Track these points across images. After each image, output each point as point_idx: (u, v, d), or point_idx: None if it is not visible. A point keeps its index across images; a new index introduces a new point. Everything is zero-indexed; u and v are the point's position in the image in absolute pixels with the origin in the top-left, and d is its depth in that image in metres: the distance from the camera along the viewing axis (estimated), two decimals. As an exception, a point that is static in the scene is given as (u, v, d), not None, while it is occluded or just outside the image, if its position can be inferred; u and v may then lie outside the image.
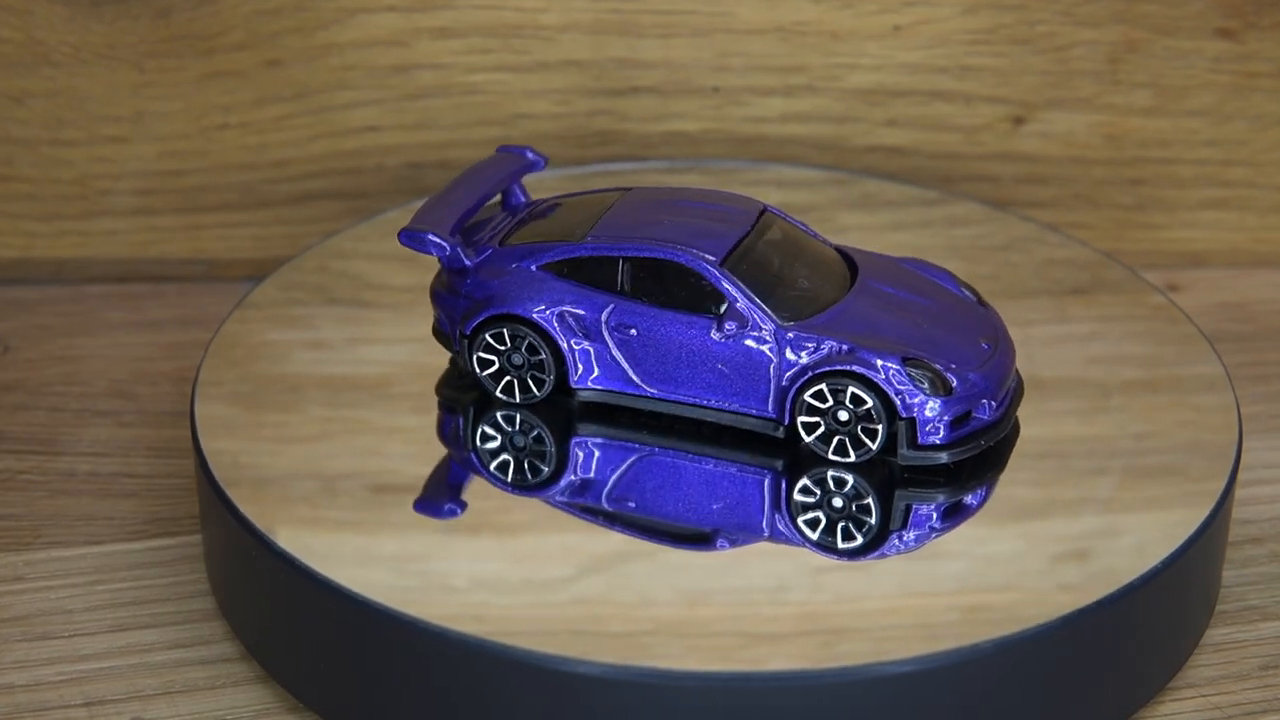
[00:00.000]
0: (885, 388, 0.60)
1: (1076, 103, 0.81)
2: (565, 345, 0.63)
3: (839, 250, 0.65)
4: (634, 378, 0.63)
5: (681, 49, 0.79)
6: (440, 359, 0.66)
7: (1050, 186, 0.82)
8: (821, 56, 0.80)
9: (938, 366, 0.60)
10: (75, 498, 0.68)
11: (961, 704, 0.56)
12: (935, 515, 0.60)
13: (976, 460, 0.61)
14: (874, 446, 0.60)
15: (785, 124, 0.80)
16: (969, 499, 0.61)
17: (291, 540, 0.58)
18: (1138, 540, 0.59)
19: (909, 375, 0.60)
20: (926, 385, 0.60)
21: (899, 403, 0.60)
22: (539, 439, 0.63)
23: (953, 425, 0.60)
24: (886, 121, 0.81)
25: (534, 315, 0.63)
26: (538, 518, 0.61)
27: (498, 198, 0.67)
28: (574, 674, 0.54)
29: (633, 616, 0.57)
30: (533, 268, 0.63)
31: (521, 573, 0.58)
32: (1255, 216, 0.83)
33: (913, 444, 0.60)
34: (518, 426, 0.64)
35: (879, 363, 0.60)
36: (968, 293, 0.64)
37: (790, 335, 0.61)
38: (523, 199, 0.67)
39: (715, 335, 0.61)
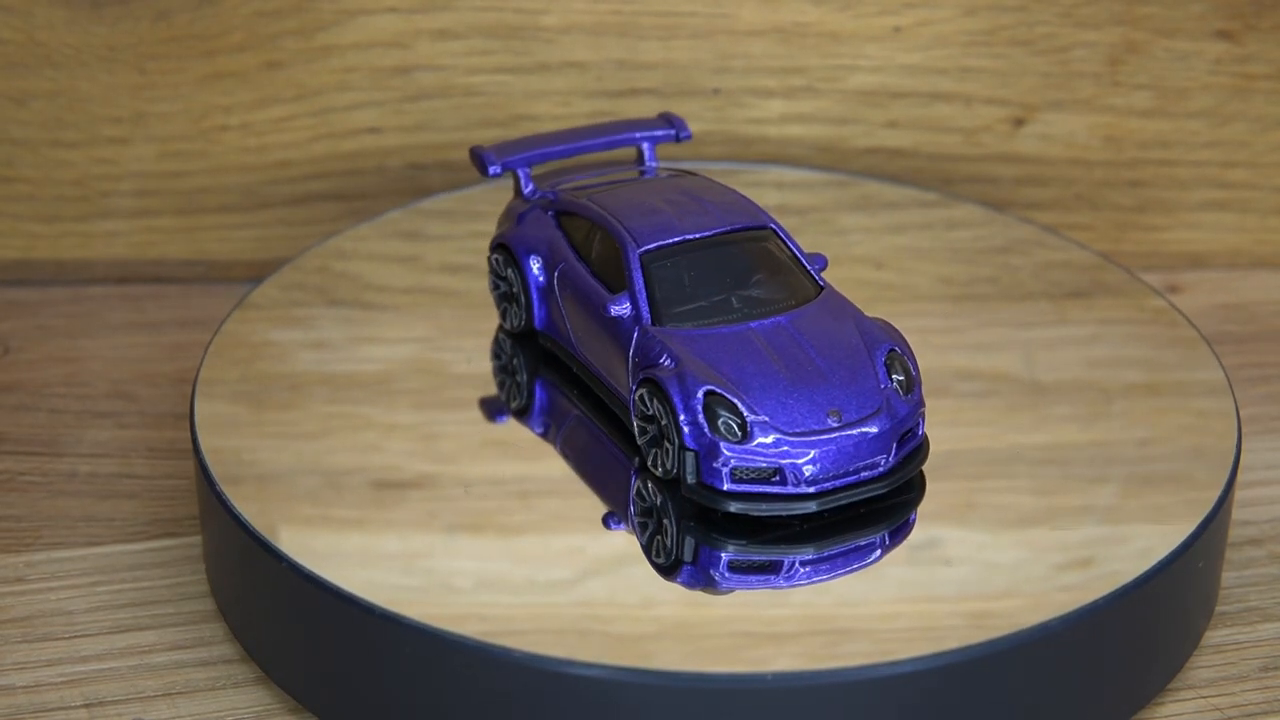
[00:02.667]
0: (678, 411, 0.58)
1: (1076, 104, 0.81)
2: (532, 286, 0.65)
3: (823, 291, 0.62)
4: (568, 332, 0.64)
5: (682, 50, 0.79)
6: (441, 355, 0.67)
7: (1050, 188, 0.82)
8: (821, 58, 0.80)
9: (743, 410, 0.58)
10: (76, 499, 0.68)
11: (962, 705, 0.56)
12: (723, 564, 0.58)
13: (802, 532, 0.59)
14: (668, 466, 0.59)
15: (785, 125, 0.80)
16: (786, 560, 0.58)
17: (293, 540, 0.58)
18: (1141, 548, 0.59)
19: (703, 408, 0.58)
20: (717, 424, 0.58)
21: (686, 431, 0.58)
22: (516, 368, 0.66)
23: (740, 476, 0.58)
24: (886, 123, 0.81)
25: (518, 251, 0.65)
26: (541, 518, 0.61)
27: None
28: (575, 675, 0.54)
29: (635, 618, 0.57)
30: (550, 213, 0.66)
31: (524, 573, 0.58)
32: (1256, 218, 0.83)
33: (697, 478, 0.59)
34: (509, 350, 0.67)
35: (684, 386, 0.58)
36: (894, 377, 0.60)
37: (648, 335, 0.60)
38: (651, 162, 0.68)
39: (604, 313, 0.62)
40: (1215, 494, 0.60)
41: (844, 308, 0.62)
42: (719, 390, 0.58)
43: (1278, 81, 0.81)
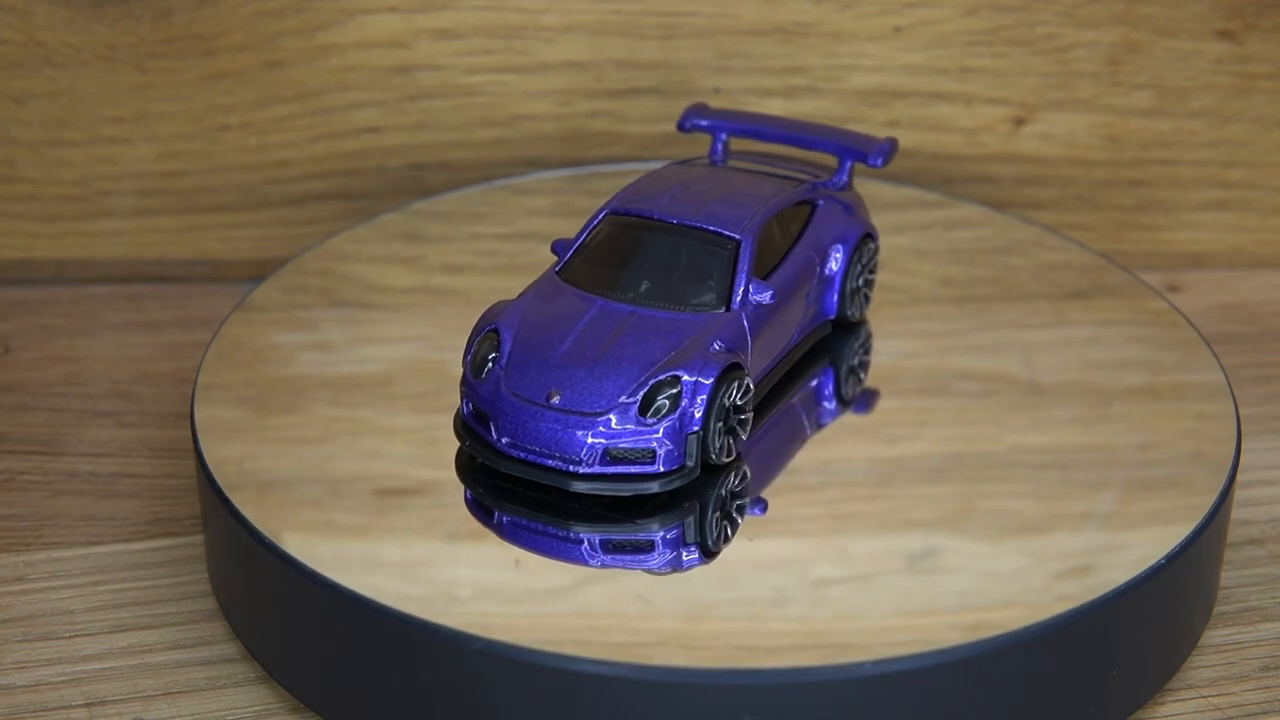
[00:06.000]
0: (471, 337, 0.62)
1: (1077, 104, 0.81)
2: None
3: (722, 313, 0.62)
4: None
5: (682, 50, 0.79)
6: (444, 355, 0.67)
7: (1051, 188, 0.82)
8: (822, 57, 0.80)
9: (498, 354, 0.60)
10: (76, 498, 0.68)
11: (961, 705, 0.56)
12: (466, 494, 0.61)
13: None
14: None
15: (786, 125, 0.80)
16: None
17: (295, 547, 0.58)
18: (1140, 556, 0.58)
19: (479, 340, 0.61)
20: (475, 356, 0.61)
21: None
22: None
23: (471, 409, 0.61)
24: (887, 123, 0.81)
25: None
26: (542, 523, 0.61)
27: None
28: (576, 673, 0.54)
29: (635, 628, 0.57)
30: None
31: (525, 581, 0.58)
32: (1256, 218, 0.83)
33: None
34: None
35: (484, 317, 0.62)
36: (653, 400, 0.59)
37: (541, 277, 0.63)
38: (840, 176, 0.68)
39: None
40: (1213, 498, 0.60)
41: (706, 332, 0.61)
42: (501, 331, 0.61)
43: (1278, 81, 0.81)
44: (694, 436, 0.59)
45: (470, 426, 0.61)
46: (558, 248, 0.64)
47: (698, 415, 0.59)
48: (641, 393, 0.59)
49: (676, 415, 0.59)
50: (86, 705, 0.59)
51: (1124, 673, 0.59)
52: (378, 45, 0.78)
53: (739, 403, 0.61)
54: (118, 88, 0.78)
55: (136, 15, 0.77)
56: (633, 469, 0.59)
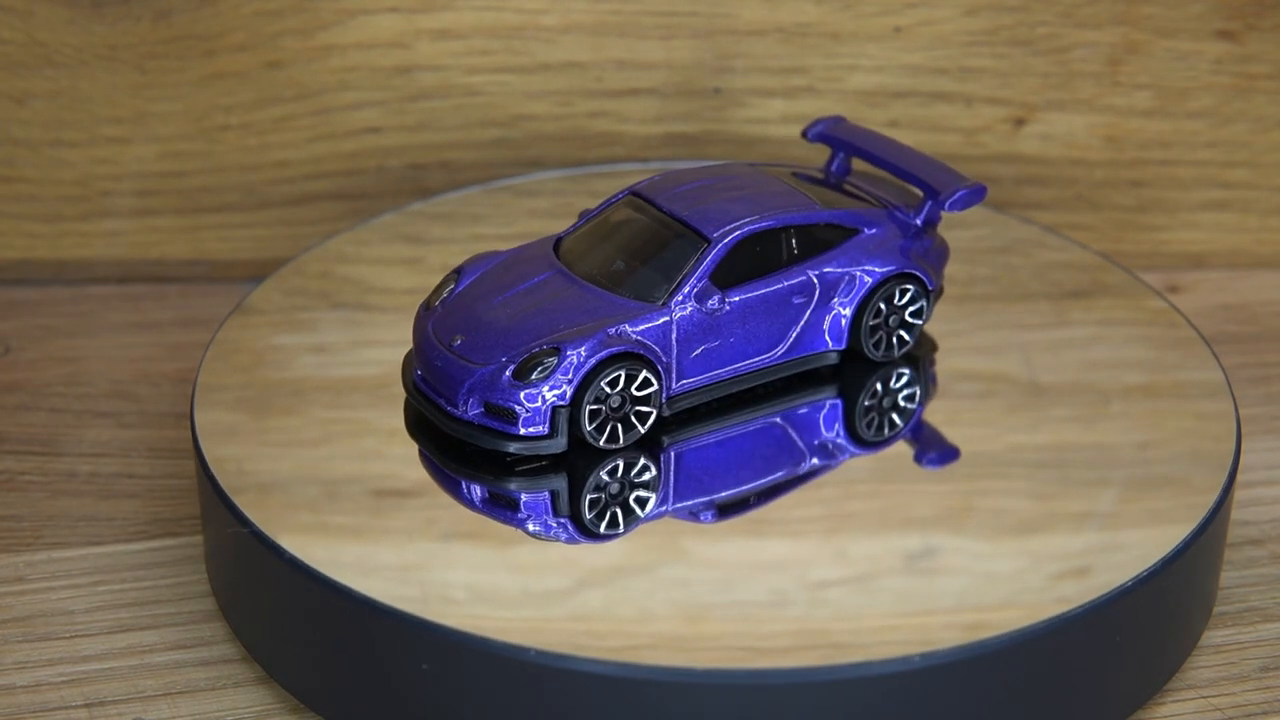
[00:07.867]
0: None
1: (1077, 104, 0.81)
2: None
3: (655, 305, 0.62)
4: None
5: (682, 50, 0.79)
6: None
7: (1051, 188, 0.82)
8: (822, 58, 0.80)
9: (444, 295, 0.64)
10: (76, 498, 0.68)
11: (961, 705, 0.56)
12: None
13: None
14: None
15: (786, 125, 0.81)
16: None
17: (295, 547, 0.58)
18: (1139, 556, 0.58)
19: (445, 279, 0.65)
20: (434, 291, 0.65)
21: None
22: None
23: (417, 362, 0.64)
24: (887, 123, 0.81)
25: None
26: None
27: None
28: (576, 672, 0.54)
29: (631, 632, 0.57)
30: None
31: (520, 584, 0.58)
32: (1256, 218, 0.83)
33: None
34: None
35: (461, 264, 0.65)
36: (530, 365, 0.61)
37: (539, 241, 0.66)
38: (916, 218, 0.67)
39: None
40: (1213, 498, 0.60)
41: (622, 318, 0.62)
42: (461, 274, 0.64)
43: (1278, 81, 0.81)
44: (561, 410, 0.61)
45: (414, 385, 0.63)
46: (582, 215, 0.66)
47: (568, 391, 0.61)
48: (522, 357, 0.61)
49: (543, 385, 0.61)
50: (86, 705, 0.59)
51: (1125, 672, 0.59)
52: (378, 45, 0.78)
53: (636, 393, 0.61)
54: (118, 88, 0.78)
55: (136, 15, 0.77)
56: (499, 425, 0.61)
